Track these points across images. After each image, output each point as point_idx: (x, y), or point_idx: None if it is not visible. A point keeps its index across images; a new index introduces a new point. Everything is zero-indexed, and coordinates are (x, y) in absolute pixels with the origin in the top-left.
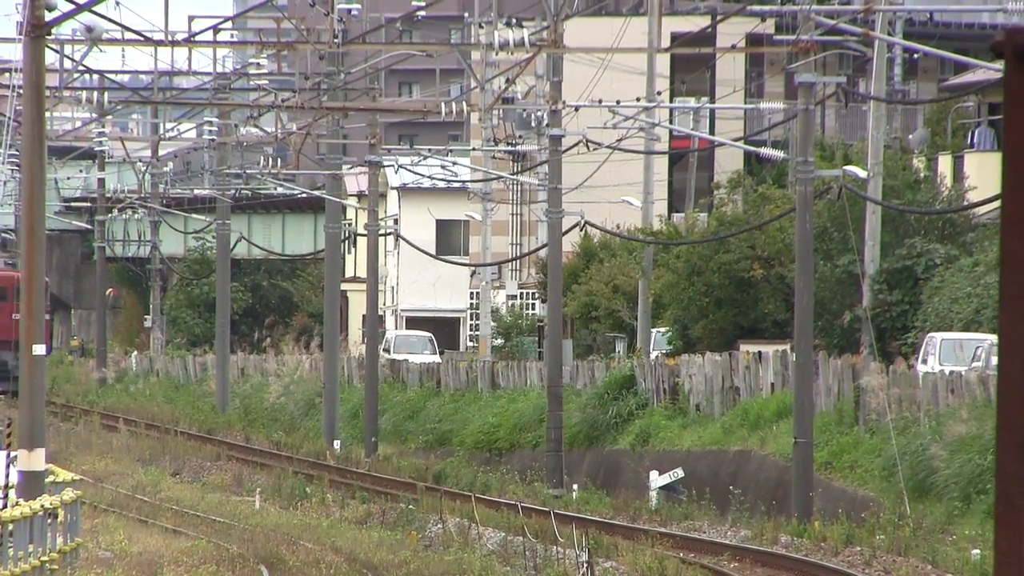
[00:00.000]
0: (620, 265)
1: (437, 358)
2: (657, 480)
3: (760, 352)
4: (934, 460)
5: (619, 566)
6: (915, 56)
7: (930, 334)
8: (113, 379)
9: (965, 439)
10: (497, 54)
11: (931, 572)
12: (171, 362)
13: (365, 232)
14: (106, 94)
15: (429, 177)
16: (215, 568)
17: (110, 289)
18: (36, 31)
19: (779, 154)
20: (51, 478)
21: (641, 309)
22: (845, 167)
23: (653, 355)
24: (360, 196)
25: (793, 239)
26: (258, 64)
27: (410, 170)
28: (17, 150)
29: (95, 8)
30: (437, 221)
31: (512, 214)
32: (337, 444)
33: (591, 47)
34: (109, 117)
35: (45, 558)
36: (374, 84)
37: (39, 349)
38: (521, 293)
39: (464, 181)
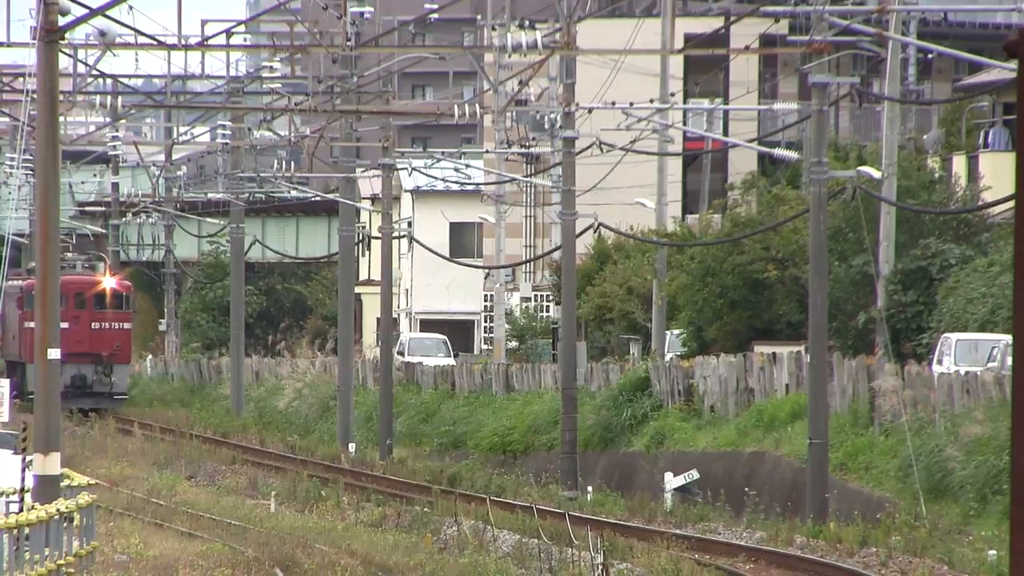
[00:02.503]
0: (634, 267)
1: (451, 360)
2: (672, 482)
3: (774, 353)
4: (949, 461)
5: (634, 568)
6: (929, 56)
7: (945, 335)
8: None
9: (981, 440)
10: (510, 56)
11: (947, 573)
12: (185, 366)
13: (379, 235)
14: (120, 98)
15: (443, 180)
16: (230, 571)
17: None
18: (50, 36)
19: (793, 155)
20: (66, 482)
21: (655, 311)
22: (859, 168)
23: (667, 357)
24: (374, 199)
25: (807, 240)
26: (271, 68)
27: (424, 173)
28: (31, 154)
29: (108, 12)
30: (451, 223)
31: (526, 216)
32: (352, 447)
33: (604, 49)
34: (123, 121)
35: (61, 562)
36: (387, 87)
37: (54, 354)
38: (535, 295)
39: (478, 183)
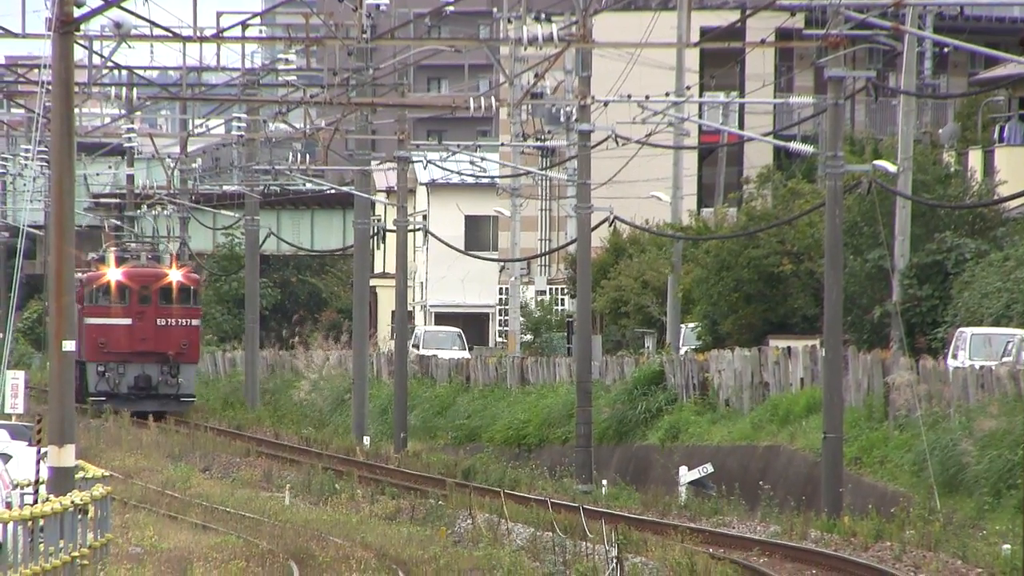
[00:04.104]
0: (649, 260)
1: (466, 354)
2: (686, 475)
3: (789, 347)
4: (964, 455)
5: (648, 561)
6: (945, 50)
7: (960, 329)
8: None
9: (995, 434)
10: (526, 49)
11: (961, 567)
12: (200, 358)
13: (394, 228)
14: (135, 90)
15: (458, 173)
16: (245, 564)
17: None
18: (65, 27)
19: (809, 149)
20: (81, 474)
21: (670, 304)
22: (875, 162)
23: (682, 350)
24: (389, 192)
25: (823, 234)
26: (286, 60)
27: (439, 166)
28: (47, 146)
29: (124, 4)
30: (466, 217)
31: (541, 209)
32: (366, 440)
33: (620, 42)
34: (138, 113)
35: (76, 554)
36: (403, 80)
37: (69, 346)
38: (550, 288)
39: (493, 177)
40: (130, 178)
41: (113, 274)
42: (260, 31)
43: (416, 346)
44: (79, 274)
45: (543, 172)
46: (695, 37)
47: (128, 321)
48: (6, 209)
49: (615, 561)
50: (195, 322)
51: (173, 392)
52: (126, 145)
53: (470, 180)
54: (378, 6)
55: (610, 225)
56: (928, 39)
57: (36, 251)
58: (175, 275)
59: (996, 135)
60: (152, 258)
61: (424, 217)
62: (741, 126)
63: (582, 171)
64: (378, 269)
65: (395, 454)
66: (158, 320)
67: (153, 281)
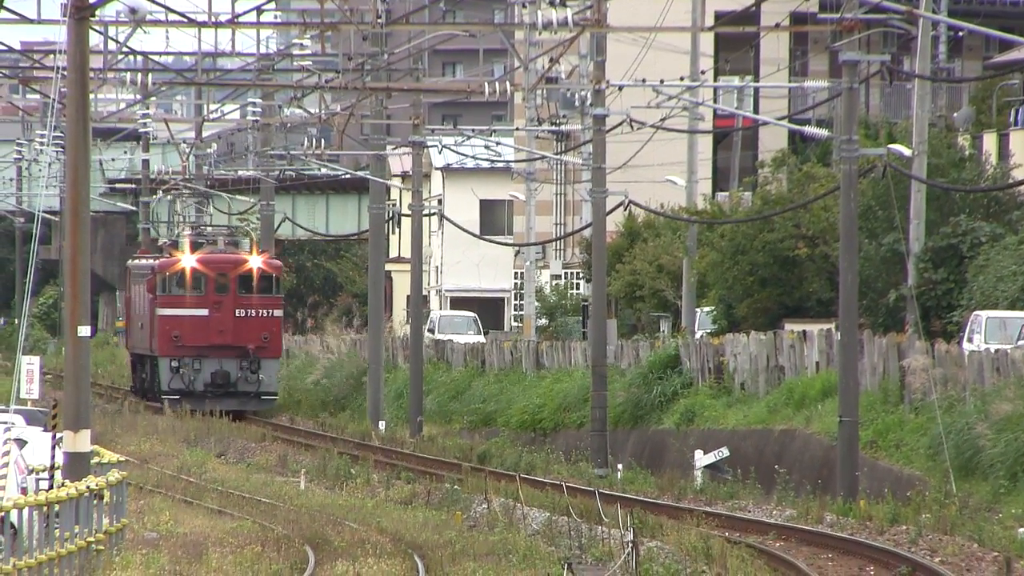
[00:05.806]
0: (664, 244)
1: (481, 338)
2: (702, 459)
3: (805, 331)
4: (980, 439)
5: (664, 545)
6: (960, 34)
7: (975, 312)
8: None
9: (1011, 418)
10: (540, 34)
11: (977, 550)
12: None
13: (409, 212)
14: (150, 75)
15: (473, 157)
16: (260, 549)
17: None
18: (80, 13)
19: (823, 133)
20: (97, 459)
21: (685, 288)
22: (890, 145)
23: (697, 334)
24: (404, 176)
25: (838, 218)
26: (301, 45)
27: (454, 150)
28: (62, 132)
29: None
30: (481, 201)
31: (556, 194)
32: (382, 425)
33: (635, 26)
34: (153, 99)
35: (91, 539)
36: (417, 64)
37: (84, 331)
38: (565, 273)
39: (508, 161)
40: (145, 163)
41: (188, 261)
42: (275, 16)
43: (431, 330)
44: (150, 261)
45: (558, 156)
46: (710, 21)
47: (204, 312)
48: (21, 195)
49: (631, 545)
50: (277, 313)
51: (253, 389)
52: (141, 130)
53: (485, 165)
54: None
55: (625, 209)
56: (943, 23)
57: (51, 236)
58: (255, 261)
59: (1011, 118)
60: (230, 243)
61: (439, 202)
62: (756, 110)
63: (597, 155)
64: (393, 254)
65: (411, 439)
66: (237, 311)
67: (231, 268)
